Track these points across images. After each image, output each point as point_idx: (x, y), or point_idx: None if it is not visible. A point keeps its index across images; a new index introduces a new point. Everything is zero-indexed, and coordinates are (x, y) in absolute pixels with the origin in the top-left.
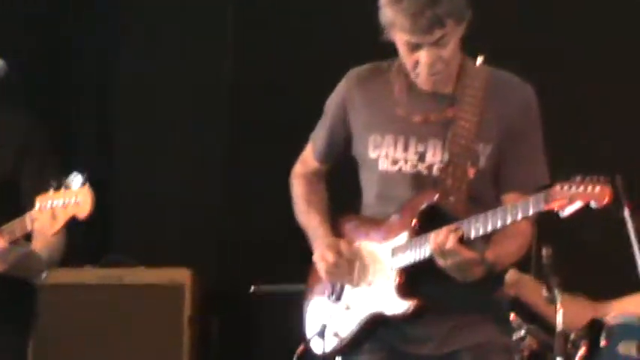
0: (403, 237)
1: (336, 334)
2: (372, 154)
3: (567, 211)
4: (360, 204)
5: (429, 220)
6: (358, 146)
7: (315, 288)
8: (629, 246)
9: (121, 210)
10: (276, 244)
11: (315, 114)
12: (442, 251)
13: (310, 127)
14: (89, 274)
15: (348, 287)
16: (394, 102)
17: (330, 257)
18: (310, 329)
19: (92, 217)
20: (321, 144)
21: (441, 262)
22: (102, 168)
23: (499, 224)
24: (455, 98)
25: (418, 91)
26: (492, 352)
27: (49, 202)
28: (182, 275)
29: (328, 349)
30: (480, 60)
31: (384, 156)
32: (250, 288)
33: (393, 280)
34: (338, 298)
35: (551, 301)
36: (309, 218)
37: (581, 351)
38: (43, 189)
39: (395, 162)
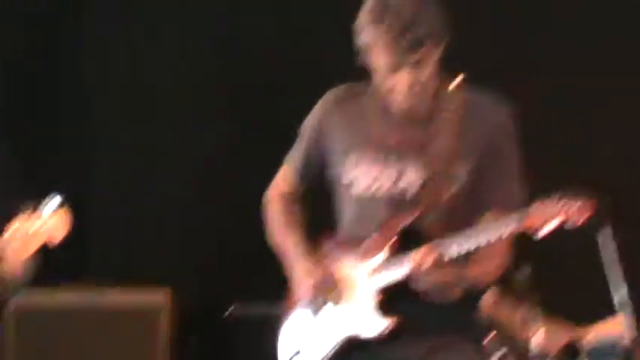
0: (381, 257)
1: (310, 358)
2: (349, 175)
3: (545, 230)
4: (336, 226)
5: (407, 240)
6: (335, 168)
7: (292, 309)
8: (608, 268)
9: (98, 230)
10: (254, 265)
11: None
12: (420, 271)
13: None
14: (66, 295)
15: (325, 308)
16: (370, 123)
17: (313, 274)
18: (284, 354)
19: (69, 238)
20: (297, 166)
21: (419, 281)
22: (79, 188)
23: (477, 244)
24: (432, 119)
25: (395, 112)
26: None
27: (23, 225)
28: (160, 296)
29: None
30: (456, 81)
31: (361, 178)
32: (229, 309)
33: (371, 300)
34: (316, 319)
35: (529, 321)
36: (285, 240)
37: None
38: (17, 212)
39: (371, 184)
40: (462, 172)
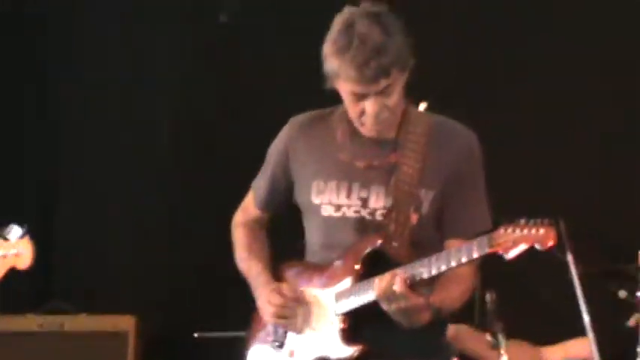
0: (347, 282)
1: None
2: (316, 200)
3: (511, 254)
4: (302, 250)
5: (373, 265)
6: (301, 193)
7: (257, 335)
8: (572, 290)
9: (62, 257)
10: (220, 290)
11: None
12: (387, 296)
13: (254, 173)
14: (30, 322)
15: (291, 333)
16: (337, 147)
17: (276, 300)
18: None
19: (33, 265)
20: (263, 192)
21: (385, 306)
22: (43, 214)
23: (443, 268)
24: (398, 144)
25: (361, 136)
26: None
27: None
28: (125, 322)
29: None
30: (422, 106)
31: (327, 202)
32: (194, 335)
33: (337, 325)
34: (281, 345)
35: (495, 346)
36: (250, 266)
37: None
38: None
39: (338, 208)
40: (426, 198)
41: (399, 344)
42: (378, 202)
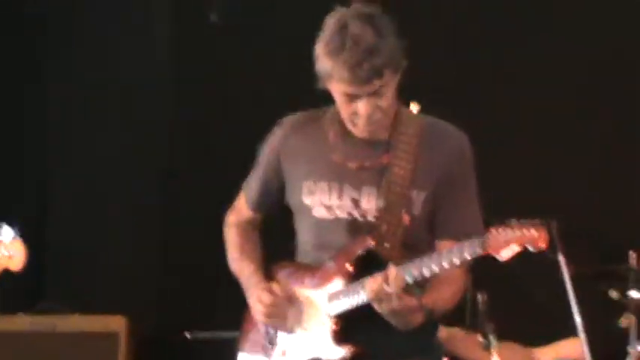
0: (339, 283)
1: None
2: (307, 200)
3: (504, 255)
4: (294, 251)
5: (365, 266)
6: (292, 194)
7: (249, 336)
8: (563, 290)
9: (54, 257)
10: (211, 291)
11: (250, 161)
12: (378, 297)
13: (246, 174)
14: (22, 322)
15: (283, 334)
16: (329, 148)
17: (267, 298)
18: None
19: (26, 266)
20: (254, 192)
21: (377, 307)
22: (35, 214)
23: (435, 269)
24: (390, 145)
25: (353, 137)
26: None
27: None
28: (117, 323)
29: None
30: (414, 107)
31: (319, 203)
32: (186, 335)
33: (328, 326)
34: (272, 346)
35: (486, 347)
36: (242, 266)
37: None
38: None
39: (330, 209)
40: (418, 199)
41: (390, 345)
42: (370, 203)
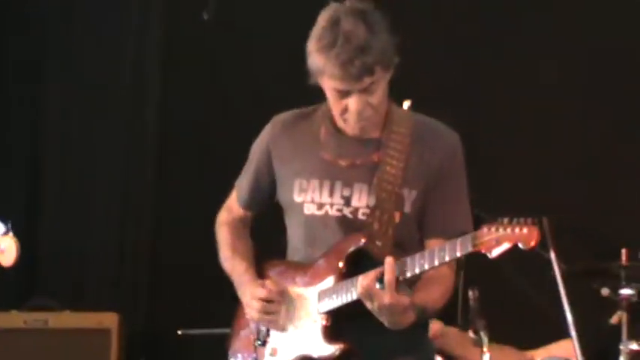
0: (330, 281)
1: None
2: (298, 198)
3: (495, 253)
4: (285, 249)
5: (356, 264)
6: (283, 191)
7: (240, 333)
8: (555, 288)
9: (46, 254)
10: (203, 288)
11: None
12: (369, 294)
13: (237, 172)
14: (15, 318)
15: (274, 332)
16: (320, 146)
17: (261, 293)
18: None
19: (18, 262)
20: (246, 190)
21: (368, 305)
22: (28, 211)
23: (427, 266)
24: (381, 143)
25: (344, 135)
26: None
27: None
28: (109, 319)
29: None
30: (406, 105)
31: (310, 200)
32: (177, 332)
33: (319, 324)
34: (263, 343)
35: (478, 343)
36: (234, 265)
37: None
38: None
39: (321, 206)
40: (409, 197)
41: (381, 343)
42: (361, 200)
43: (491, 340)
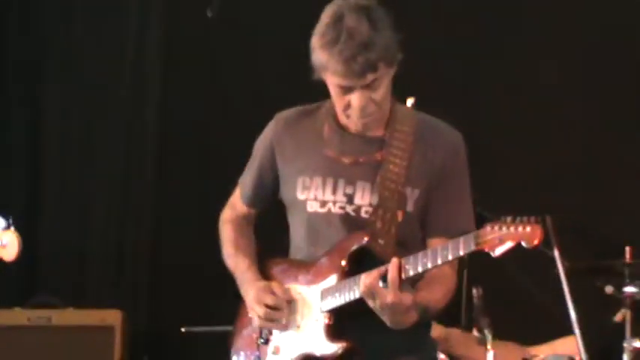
0: (332, 279)
1: None
2: (301, 196)
3: (498, 252)
4: (288, 246)
5: (359, 263)
6: (286, 188)
7: (242, 331)
8: (559, 286)
9: (46, 253)
10: (206, 285)
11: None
12: (372, 292)
13: (238, 172)
14: (18, 316)
15: (276, 330)
16: (324, 143)
17: (269, 300)
18: None
19: (20, 259)
20: (249, 187)
21: (371, 303)
22: (30, 208)
23: (430, 265)
24: (384, 141)
25: (348, 132)
26: None
27: None
28: (112, 316)
29: None
30: (409, 102)
31: (313, 198)
32: (181, 329)
33: (322, 322)
34: (266, 342)
35: (482, 341)
36: (237, 262)
37: None
38: None
39: (323, 204)
40: (412, 196)
41: (383, 342)
42: (364, 199)
43: (494, 337)
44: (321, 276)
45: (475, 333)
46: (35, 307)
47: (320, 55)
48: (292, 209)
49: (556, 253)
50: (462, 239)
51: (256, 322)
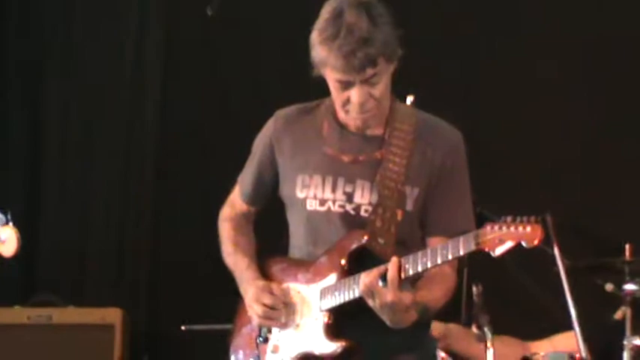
0: (332, 278)
1: None
2: (300, 194)
3: (498, 252)
4: (287, 245)
5: (358, 262)
6: (286, 187)
7: (241, 330)
8: (559, 283)
9: (46, 253)
10: (206, 283)
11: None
12: (371, 291)
13: (237, 171)
14: (19, 314)
15: (275, 329)
16: (323, 141)
17: (267, 300)
18: None
19: (19, 256)
20: (249, 185)
21: (370, 302)
22: (30, 205)
23: (429, 264)
24: (384, 140)
25: (348, 129)
26: None
27: None
28: (112, 315)
29: None
30: (409, 100)
31: (312, 196)
32: (181, 327)
33: (321, 321)
34: (265, 340)
35: (481, 339)
36: (236, 260)
37: None
38: None
39: (323, 202)
40: (412, 195)
41: (383, 341)
42: (364, 197)
43: (494, 334)
44: (320, 275)
45: (475, 330)
46: (35, 306)
47: (320, 50)
48: (291, 207)
49: (556, 251)
50: (461, 239)
51: (255, 320)
